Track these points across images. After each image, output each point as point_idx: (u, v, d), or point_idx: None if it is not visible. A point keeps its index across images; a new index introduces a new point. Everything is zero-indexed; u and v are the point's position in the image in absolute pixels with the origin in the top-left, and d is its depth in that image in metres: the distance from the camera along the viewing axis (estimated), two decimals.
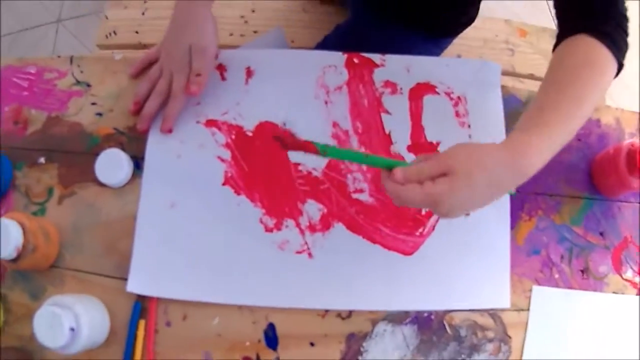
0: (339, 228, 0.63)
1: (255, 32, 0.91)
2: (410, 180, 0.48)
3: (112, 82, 0.70)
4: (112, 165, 0.64)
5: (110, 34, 0.96)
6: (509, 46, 0.90)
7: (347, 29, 0.86)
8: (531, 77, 0.72)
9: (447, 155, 0.49)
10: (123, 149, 0.65)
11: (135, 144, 0.66)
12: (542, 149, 0.50)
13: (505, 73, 0.69)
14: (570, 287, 0.65)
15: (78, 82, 0.70)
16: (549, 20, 0.77)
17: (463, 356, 0.62)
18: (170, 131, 0.65)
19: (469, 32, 0.87)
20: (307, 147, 0.48)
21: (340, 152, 0.50)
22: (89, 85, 0.70)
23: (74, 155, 0.66)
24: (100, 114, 0.68)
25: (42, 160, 0.67)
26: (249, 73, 0.68)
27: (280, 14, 0.96)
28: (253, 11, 0.96)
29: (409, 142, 0.66)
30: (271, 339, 0.60)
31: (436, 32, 0.84)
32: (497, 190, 0.50)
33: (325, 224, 0.63)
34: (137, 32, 0.94)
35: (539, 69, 0.73)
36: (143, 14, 0.97)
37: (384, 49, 0.70)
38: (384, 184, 0.49)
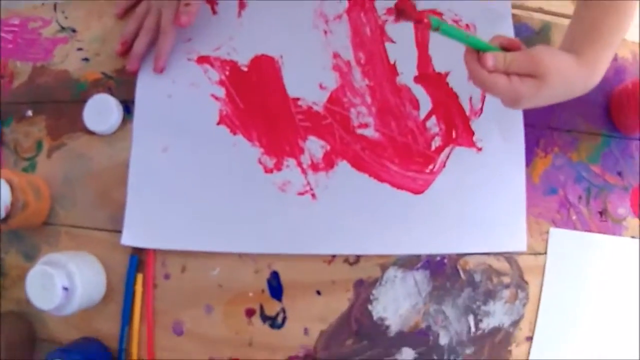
0: (343, 166, 0.59)
1: None
2: (498, 70, 0.49)
3: (97, 25, 0.66)
4: (101, 111, 0.61)
5: None
6: None
7: None
8: (540, 10, 0.68)
9: (537, 58, 0.49)
10: (112, 94, 0.62)
11: (125, 87, 0.63)
12: (607, 64, 0.53)
13: (514, 6, 0.65)
14: (589, 230, 0.63)
15: (63, 29, 0.66)
16: None
17: (478, 303, 0.59)
18: (162, 70, 0.62)
19: None
20: (422, 19, 0.46)
21: (449, 28, 0.48)
22: (74, 31, 0.66)
23: (62, 105, 0.64)
24: (87, 59, 0.65)
25: (29, 113, 0.64)
26: (242, 5, 0.64)
27: None
28: None
29: (415, 73, 0.62)
30: (275, 288, 0.58)
31: None
32: (566, 98, 0.53)
33: (328, 162, 0.60)
34: None
35: (549, 2, 0.69)
36: None
37: None
38: (469, 66, 0.50)
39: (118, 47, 0.63)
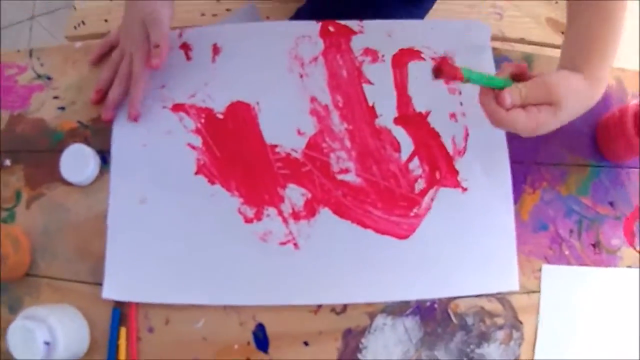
0: (325, 214, 0.58)
1: (228, 10, 0.86)
2: (515, 105, 0.50)
3: (73, 72, 0.65)
4: (77, 162, 0.60)
5: (79, 24, 0.91)
6: (497, 10, 0.85)
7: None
8: (522, 41, 0.67)
9: (552, 86, 0.50)
10: (88, 144, 0.61)
11: (101, 137, 0.62)
12: (608, 72, 0.55)
13: (494, 38, 0.64)
14: (583, 264, 0.61)
15: (38, 76, 0.66)
16: None
17: (472, 346, 0.58)
18: (136, 118, 0.61)
19: None
20: (457, 75, 0.48)
21: (477, 76, 0.49)
22: (49, 79, 0.66)
23: (39, 154, 0.63)
24: (62, 108, 0.64)
25: (7, 162, 0.63)
26: (216, 50, 0.63)
27: None
28: None
29: (395, 114, 0.61)
30: (261, 340, 0.56)
31: None
32: (579, 115, 0.54)
33: (310, 211, 0.58)
34: (106, 20, 0.90)
35: (530, 32, 0.69)
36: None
37: (362, 17, 0.65)
38: (488, 108, 0.51)
39: (92, 96, 0.62)
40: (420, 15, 0.83)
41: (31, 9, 1.56)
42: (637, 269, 0.62)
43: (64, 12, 1.51)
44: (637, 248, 0.63)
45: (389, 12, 0.68)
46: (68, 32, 0.93)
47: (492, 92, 0.50)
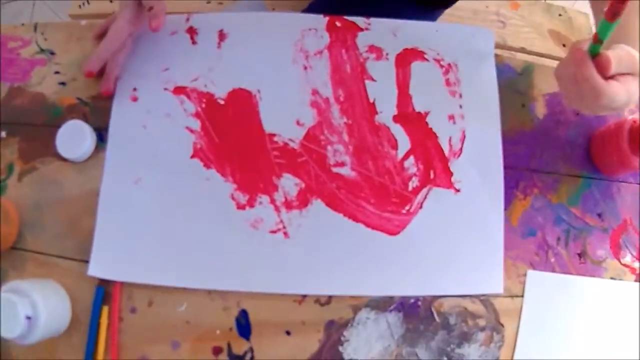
0: (317, 205, 0.59)
1: None
2: (609, 66, 0.45)
3: (76, 49, 0.65)
4: (74, 138, 0.60)
5: (83, 3, 0.92)
6: (500, 18, 0.87)
7: None
8: (522, 50, 0.68)
9: (634, 54, 0.47)
10: (86, 121, 0.61)
11: (100, 114, 0.62)
12: None
13: (496, 46, 0.65)
14: (567, 272, 0.62)
15: (42, 50, 0.66)
16: None
17: (452, 346, 0.58)
18: (108, 91, 0.61)
19: (458, 3, 0.83)
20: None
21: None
22: (52, 53, 0.66)
23: (36, 128, 0.63)
24: (63, 83, 0.64)
25: (3, 134, 0.63)
26: (222, 36, 0.64)
27: None
28: None
29: (395, 112, 0.62)
30: (243, 327, 0.57)
31: (427, 1, 0.79)
32: None
33: (302, 201, 0.59)
34: (111, 1, 0.91)
35: (531, 42, 0.70)
36: None
37: (372, 16, 0.66)
38: (588, 76, 0.45)
39: (88, 67, 0.61)
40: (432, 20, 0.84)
41: None
42: (621, 281, 0.63)
43: None
44: (622, 261, 0.64)
45: (400, 17, 0.68)
46: (72, 10, 0.94)
47: (591, 61, 0.46)
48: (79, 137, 0.60)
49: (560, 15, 0.91)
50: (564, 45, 0.89)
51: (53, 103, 0.63)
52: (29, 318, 0.51)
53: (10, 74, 0.65)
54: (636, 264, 0.64)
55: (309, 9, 0.83)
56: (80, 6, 0.92)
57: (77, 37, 0.66)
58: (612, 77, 0.46)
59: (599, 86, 0.45)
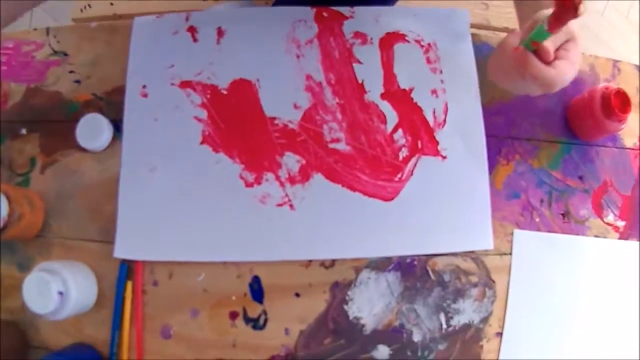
0: (318, 178, 0.63)
1: None
2: (551, 55, 0.46)
3: (88, 49, 0.69)
4: (93, 129, 0.64)
5: (85, 7, 0.95)
6: (483, 0, 0.90)
7: None
8: (506, 30, 0.72)
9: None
10: (102, 114, 0.65)
11: (114, 107, 0.66)
12: None
13: (480, 27, 0.70)
14: (552, 231, 0.66)
15: (55, 52, 0.70)
16: None
17: (448, 301, 0.62)
18: None
19: None
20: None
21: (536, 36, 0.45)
22: (66, 55, 0.69)
23: (55, 124, 0.66)
24: (78, 82, 0.68)
25: (23, 131, 0.67)
26: (220, 33, 0.68)
27: None
28: None
29: (382, 90, 0.66)
30: (257, 291, 0.61)
31: None
32: None
33: (304, 175, 0.63)
34: (111, 4, 0.94)
35: (514, 22, 0.74)
36: None
37: (336, 4, 0.70)
38: (535, 69, 0.46)
39: None
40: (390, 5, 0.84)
41: None
42: (604, 239, 0.67)
43: None
44: (605, 220, 0.67)
45: (359, 4, 0.71)
46: (75, 14, 0.97)
47: (531, 54, 0.46)
48: (97, 128, 0.64)
49: None
50: None
51: (70, 100, 0.67)
52: (61, 294, 0.54)
53: (26, 75, 0.69)
54: (618, 223, 0.67)
55: (278, 2, 0.85)
56: (82, 10, 0.95)
57: (88, 38, 0.70)
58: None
59: (549, 77, 0.46)
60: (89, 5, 0.96)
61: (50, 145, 0.66)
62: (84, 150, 0.65)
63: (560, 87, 0.48)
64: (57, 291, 0.54)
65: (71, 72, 0.69)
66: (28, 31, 0.72)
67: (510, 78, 0.51)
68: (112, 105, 0.66)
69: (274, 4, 0.85)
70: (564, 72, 0.47)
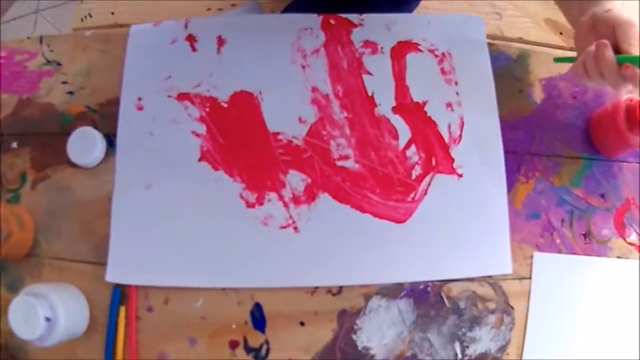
0: (324, 199, 0.60)
1: (233, 5, 0.88)
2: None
3: (82, 58, 0.67)
4: (85, 144, 0.62)
5: (85, 17, 0.94)
6: (496, 9, 0.88)
7: None
8: (520, 40, 0.69)
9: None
10: (96, 127, 0.63)
11: (108, 120, 0.64)
12: None
13: (493, 37, 0.67)
14: (573, 253, 0.63)
15: (48, 62, 0.68)
16: None
17: (463, 330, 0.59)
18: None
19: None
20: None
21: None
22: (59, 64, 0.67)
23: (47, 137, 0.64)
24: (71, 93, 0.66)
25: (14, 145, 0.64)
26: (221, 42, 0.65)
27: None
28: None
29: (393, 103, 0.63)
30: (258, 320, 0.58)
31: None
32: None
33: (310, 195, 0.60)
34: (112, 13, 0.93)
35: (527, 32, 0.71)
36: None
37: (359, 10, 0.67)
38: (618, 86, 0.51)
39: None
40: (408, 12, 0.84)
41: (36, 3, 1.57)
42: (627, 260, 0.64)
43: (68, 6, 1.52)
44: (628, 239, 0.64)
45: (375, 11, 0.69)
46: (75, 24, 0.95)
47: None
48: (89, 143, 0.61)
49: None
50: (561, 34, 0.90)
51: (62, 112, 0.65)
52: (48, 319, 0.52)
53: (18, 86, 0.67)
54: None
55: (287, 8, 0.84)
56: (82, 19, 0.94)
57: (82, 47, 0.67)
58: None
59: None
60: (90, 15, 0.94)
61: (41, 159, 0.64)
62: (76, 165, 0.62)
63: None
64: (45, 317, 0.52)
65: (64, 82, 0.66)
66: (21, 40, 0.70)
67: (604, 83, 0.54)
68: (106, 119, 0.64)
69: (283, 12, 0.83)
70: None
